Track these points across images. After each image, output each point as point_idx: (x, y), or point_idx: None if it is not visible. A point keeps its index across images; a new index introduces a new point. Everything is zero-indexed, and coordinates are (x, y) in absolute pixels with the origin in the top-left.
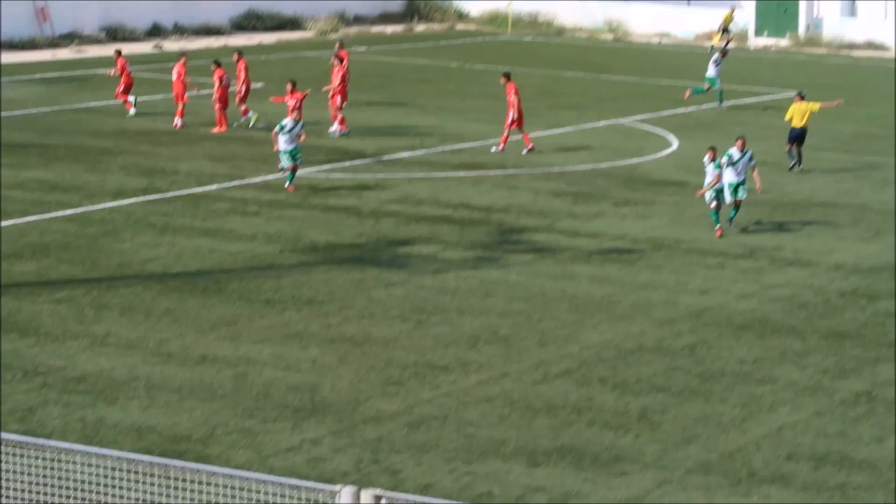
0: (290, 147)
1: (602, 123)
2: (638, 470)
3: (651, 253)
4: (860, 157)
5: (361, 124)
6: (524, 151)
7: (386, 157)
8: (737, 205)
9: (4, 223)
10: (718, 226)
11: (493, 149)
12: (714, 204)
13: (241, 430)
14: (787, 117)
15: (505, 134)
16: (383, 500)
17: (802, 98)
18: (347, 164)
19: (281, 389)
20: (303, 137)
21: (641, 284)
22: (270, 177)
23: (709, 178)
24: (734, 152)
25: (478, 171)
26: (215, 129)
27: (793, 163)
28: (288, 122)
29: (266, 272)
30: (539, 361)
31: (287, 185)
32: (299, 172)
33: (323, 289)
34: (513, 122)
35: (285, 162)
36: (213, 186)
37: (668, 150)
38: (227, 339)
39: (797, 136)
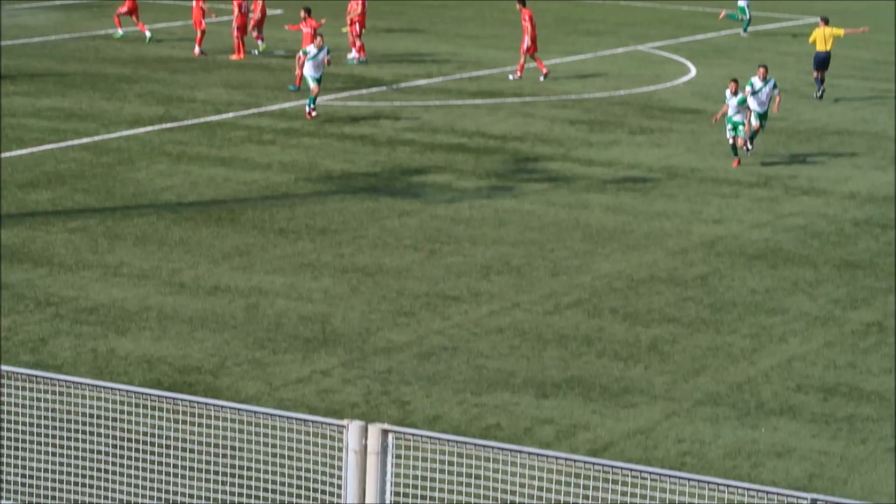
0: (317, 74)
1: (620, 50)
2: (647, 401)
3: (666, 181)
4: (878, 85)
5: (379, 51)
6: (541, 78)
7: (403, 85)
8: (756, 131)
9: (21, 152)
10: (737, 158)
11: (511, 77)
12: (732, 139)
13: (251, 362)
14: (811, 40)
15: (521, 61)
16: (390, 435)
17: (826, 23)
18: (364, 91)
19: (292, 320)
20: (328, 60)
21: (655, 213)
22: (287, 104)
23: (730, 112)
24: (756, 81)
25: (494, 98)
26: (233, 57)
27: (821, 90)
28: (311, 48)
29: (280, 201)
30: (551, 292)
31: (308, 109)
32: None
33: (337, 218)
34: (527, 48)
35: (311, 83)
36: (230, 114)
37: (686, 77)
38: (239, 270)
39: (822, 61)
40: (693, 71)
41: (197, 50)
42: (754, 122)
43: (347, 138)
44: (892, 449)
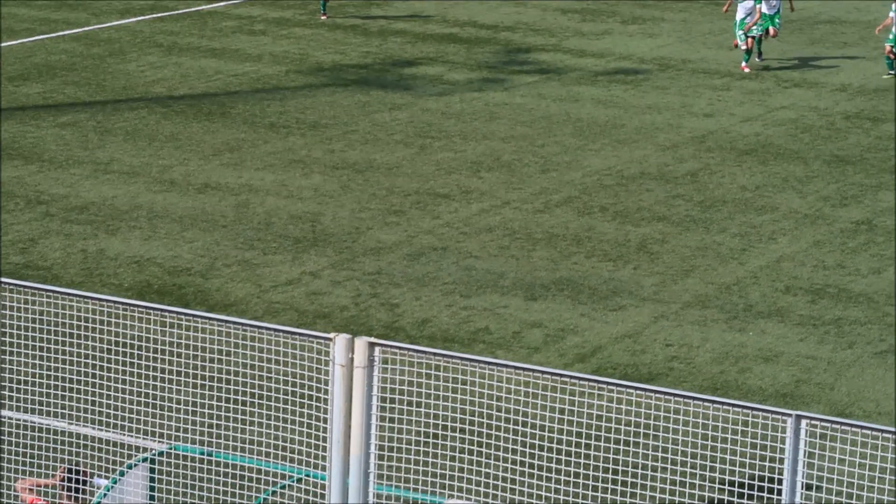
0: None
1: None
2: (635, 304)
3: (657, 73)
4: None
5: None
6: None
7: None
8: (773, 35)
9: (10, 43)
10: (745, 63)
11: None
12: (744, 45)
13: (241, 263)
14: None
15: None
16: (377, 349)
17: None
18: None
19: (282, 219)
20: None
21: (646, 107)
22: None
23: (740, 14)
24: None
25: None
26: None
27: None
28: None
29: (271, 94)
30: (541, 189)
31: (321, 13)
32: None
33: (327, 112)
34: None
35: (759, 28)
36: (221, 3)
37: None
38: (230, 166)
39: None
40: None
41: None
42: (763, 29)
43: (338, 28)
44: (879, 353)
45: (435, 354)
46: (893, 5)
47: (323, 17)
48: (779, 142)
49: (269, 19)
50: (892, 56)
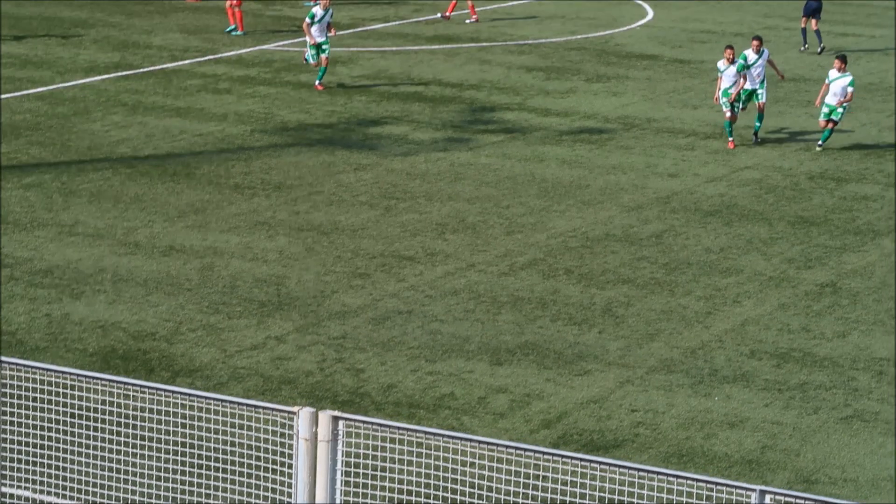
0: (322, 39)
1: None
2: (600, 368)
3: (622, 132)
4: (833, 28)
5: None
6: (467, 21)
7: (360, 29)
8: (760, 110)
9: None
10: (732, 138)
11: (440, 15)
12: (730, 115)
13: (206, 327)
14: None
15: (453, 2)
16: (341, 422)
17: None
18: None
19: (247, 282)
20: (333, 31)
21: (611, 167)
22: (243, 51)
23: (725, 84)
24: (749, 54)
25: (451, 43)
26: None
27: (821, 46)
28: (318, 9)
29: (236, 154)
30: (506, 251)
31: (317, 83)
32: (272, 46)
33: (292, 172)
34: None
35: (312, 58)
36: (186, 61)
37: (643, 20)
38: (195, 228)
39: (814, 10)
40: (650, 13)
41: None
42: (743, 104)
43: (303, 86)
44: (844, 419)
45: (399, 428)
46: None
47: (319, 87)
48: (743, 202)
49: (233, 77)
50: (827, 126)
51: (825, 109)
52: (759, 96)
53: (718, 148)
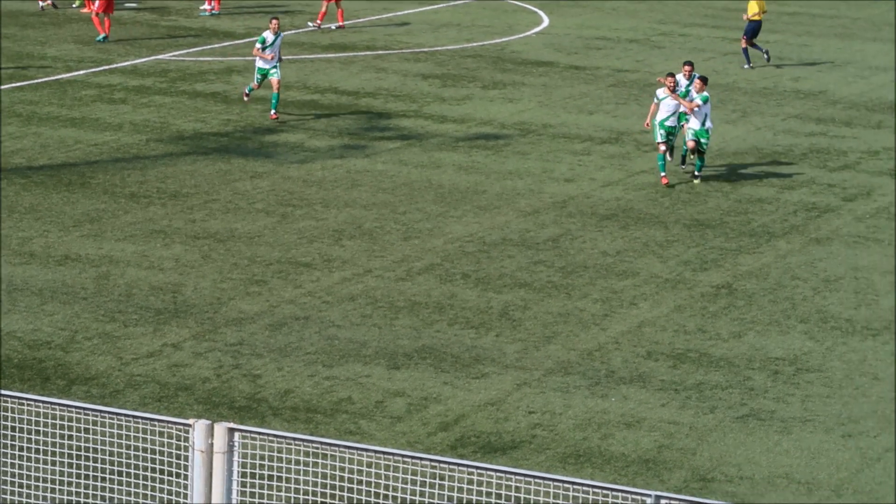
0: (270, 65)
1: None
2: (498, 371)
3: (518, 138)
4: (731, 34)
5: (231, 3)
6: (332, 26)
7: (255, 38)
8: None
9: None
10: (664, 174)
11: (310, 24)
12: (663, 147)
13: (102, 335)
14: (752, 13)
15: (323, 9)
16: (236, 434)
17: None
18: (217, 45)
19: (143, 290)
20: (274, 56)
21: (507, 172)
22: (139, 61)
23: (662, 115)
24: (680, 79)
25: (347, 52)
26: (84, 10)
27: (765, 53)
28: (268, 34)
29: (132, 163)
30: (403, 257)
31: (272, 112)
32: (167, 56)
33: (188, 181)
34: None
35: (256, 81)
36: (81, 72)
37: (539, 28)
38: (90, 237)
39: (755, 32)
40: (546, 21)
41: (42, 4)
42: (688, 138)
43: (199, 96)
44: (740, 418)
45: (295, 439)
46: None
47: (274, 117)
48: (639, 206)
49: (129, 87)
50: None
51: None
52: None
53: (614, 153)
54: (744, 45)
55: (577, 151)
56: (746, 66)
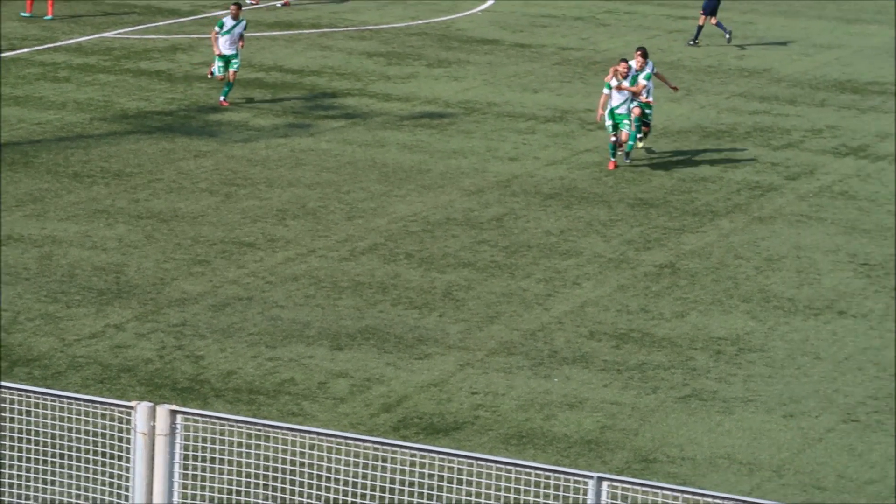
0: (231, 52)
1: None
2: (441, 351)
3: (463, 117)
4: (675, 11)
5: None
6: (279, 3)
7: (200, 17)
8: (644, 132)
9: None
10: (613, 159)
11: (278, 3)
12: (614, 137)
13: (44, 316)
14: None
15: None
16: (178, 416)
17: None
18: (161, 23)
19: (86, 271)
20: (241, 44)
21: (451, 151)
22: (83, 39)
23: (614, 102)
24: (634, 66)
25: (292, 30)
26: None
27: (728, 34)
28: (228, 19)
29: (75, 143)
30: (346, 236)
31: (222, 99)
32: (112, 34)
33: (132, 160)
34: None
35: (219, 70)
36: (24, 50)
37: (484, 6)
38: (33, 217)
39: (713, 9)
40: None
41: None
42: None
43: (143, 74)
44: (682, 398)
45: (237, 421)
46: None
47: (224, 104)
48: (583, 185)
49: (73, 66)
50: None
51: (609, 122)
52: (647, 116)
53: (559, 131)
54: (700, 23)
55: (522, 130)
56: (691, 43)
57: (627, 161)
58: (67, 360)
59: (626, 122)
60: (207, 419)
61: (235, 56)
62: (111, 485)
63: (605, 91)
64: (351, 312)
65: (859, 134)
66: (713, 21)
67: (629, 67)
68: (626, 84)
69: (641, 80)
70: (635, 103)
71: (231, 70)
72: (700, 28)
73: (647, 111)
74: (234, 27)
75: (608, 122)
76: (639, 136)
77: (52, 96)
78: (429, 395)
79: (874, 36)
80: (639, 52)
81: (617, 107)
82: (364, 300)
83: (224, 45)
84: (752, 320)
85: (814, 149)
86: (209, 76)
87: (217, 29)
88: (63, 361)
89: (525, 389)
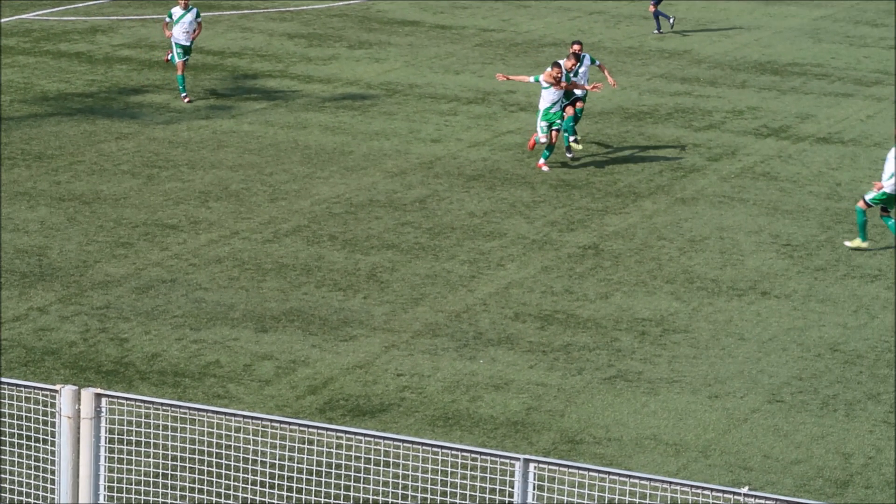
0: (187, 43)
1: None
2: (366, 333)
3: (384, 98)
4: None
5: None
6: None
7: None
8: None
9: None
10: (544, 161)
11: None
12: (544, 139)
13: None
14: None
15: None
16: (104, 399)
17: None
18: (81, 5)
19: (8, 253)
20: (197, 32)
21: (374, 133)
22: (1, 20)
23: (545, 103)
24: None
25: (212, 11)
26: None
27: (671, 20)
28: (176, 9)
29: None
30: (270, 218)
31: (183, 95)
32: (31, 16)
33: (53, 142)
34: None
35: (178, 56)
36: None
37: None
38: None
39: None
40: None
41: None
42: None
43: (63, 56)
44: (607, 379)
45: (162, 404)
46: (542, 77)
47: (186, 101)
48: (506, 166)
49: None
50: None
51: (543, 123)
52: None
53: (481, 113)
54: (652, 10)
55: (444, 112)
56: (656, 32)
57: (570, 155)
58: None
59: (559, 121)
60: (133, 402)
61: (189, 47)
62: (37, 468)
63: (531, 80)
64: (275, 294)
65: (780, 115)
66: (651, 9)
67: (561, 71)
68: (564, 83)
69: (578, 78)
70: (570, 101)
71: (181, 61)
72: (657, 16)
73: (578, 112)
74: (182, 16)
75: (541, 123)
76: (572, 138)
77: None
78: (354, 377)
79: (794, 17)
80: (576, 45)
81: (550, 107)
82: (288, 282)
83: (179, 35)
84: (676, 301)
85: (735, 130)
86: (166, 61)
87: (167, 20)
88: None
89: (451, 371)
